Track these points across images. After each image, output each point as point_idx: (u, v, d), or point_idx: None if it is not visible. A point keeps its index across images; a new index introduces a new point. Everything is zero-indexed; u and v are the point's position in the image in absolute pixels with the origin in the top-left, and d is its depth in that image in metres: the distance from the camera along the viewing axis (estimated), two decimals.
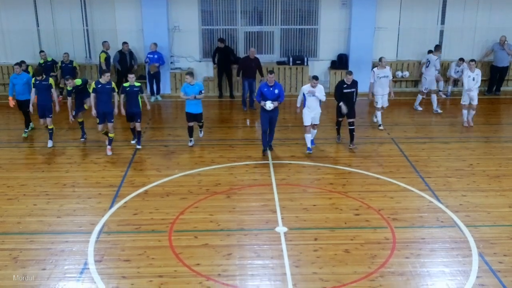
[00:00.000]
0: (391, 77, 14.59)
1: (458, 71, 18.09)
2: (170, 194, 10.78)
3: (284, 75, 18.38)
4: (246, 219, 9.78)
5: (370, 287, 7.79)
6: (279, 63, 18.55)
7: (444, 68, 18.61)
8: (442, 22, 18.76)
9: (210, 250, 8.77)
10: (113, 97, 12.73)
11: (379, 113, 14.77)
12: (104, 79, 12.45)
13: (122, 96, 12.81)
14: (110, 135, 12.81)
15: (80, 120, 13.57)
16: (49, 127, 13.22)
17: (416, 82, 18.98)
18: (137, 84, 12.75)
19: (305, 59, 18.36)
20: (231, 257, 8.57)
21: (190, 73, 13.00)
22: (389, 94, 14.60)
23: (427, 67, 16.49)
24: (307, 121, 12.62)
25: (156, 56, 17.36)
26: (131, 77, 12.68)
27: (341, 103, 12.82)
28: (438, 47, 17.12)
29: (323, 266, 8.32)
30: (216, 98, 18.08)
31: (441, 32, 18.86)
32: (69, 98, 13.19)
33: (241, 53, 18.63)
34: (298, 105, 12.78)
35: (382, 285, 7.83)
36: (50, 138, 13.30)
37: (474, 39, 18.84)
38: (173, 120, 16.29)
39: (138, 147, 13.06)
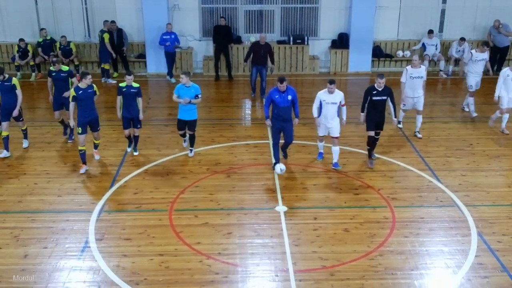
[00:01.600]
0: (425, 78, 12.56)
1: (459, 51, 18.00)
2: (170, 173, 10.80)
3: (284, 55, 18.28)
4: (246, 198, 9.82)
5: (370, 266, 7.85)
6: (279, 42, 18.43)
7: (445, 48, 18.53)
8: (444, 1, 18.56)
9: (210, 229, 8.82)
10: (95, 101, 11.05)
11: (402, 114, 13.08)
12: (86, 82, 10.59)
13: (119, 98, 11.15)
14: (96, 142, 11.32)
15: (60, 120, 12.40)
16: (22, 128, 12.01)
17: None
18: (135, 85, 11.08)
19: (306, 38, 18.23)
20: (231, 236, 8.62)
21: (186, 73, 10.99)
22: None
23: (472, 62, 13.94)
24: (320, 131, 10.94)
25: (173, 37, 17.22)
26: (129, 78, 10.98)
27: (362, 114, 10.94)
28: (485, 43, 14.89)
29: (322, 245, 8.37)
30: (214, 78, 17.93)
31: (443, 11, 18.70)
32: (49, 79, 12.05)
33: (241, 32, 18.50)
34: (315, 114, 10.78)
35: (381, 264, 7.89)
36: (25, 138, 12.12)
37: (476, 19, 18.70)
38: (172, 99, 16.21)
39: (135, 153, 11.60)
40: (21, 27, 18.00)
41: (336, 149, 10.84)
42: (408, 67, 12.56)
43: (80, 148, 10.75)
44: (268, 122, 10.63)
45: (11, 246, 8.33)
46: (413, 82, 12.40)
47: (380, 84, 10.67)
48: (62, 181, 10.49)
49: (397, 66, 18.87)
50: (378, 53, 18.61)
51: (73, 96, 10.53)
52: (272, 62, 15.67)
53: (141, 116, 11.25)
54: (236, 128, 13.43)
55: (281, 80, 10.18)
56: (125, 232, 8.73)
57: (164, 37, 17.07)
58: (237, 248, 8.31)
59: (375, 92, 10.72)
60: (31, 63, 17.48)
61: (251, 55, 15.67)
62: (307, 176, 10.67)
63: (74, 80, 11.79)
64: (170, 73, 17.61)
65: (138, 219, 9.13)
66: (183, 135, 11.59)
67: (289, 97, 10.30)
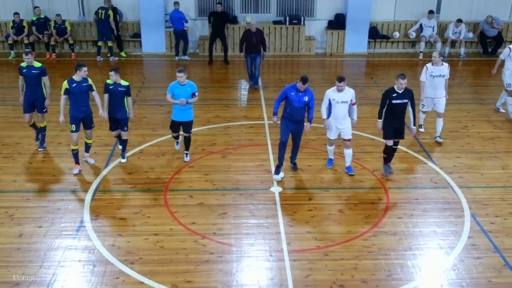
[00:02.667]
0: (448, 76, 11.31)
1: (456, 32, 17.99)
2: (165, 153, 10.79)
3: (280, 35, 18.18)
4: (241, 178, 9.84)
5: (363, 246, 7.90)
6: (275, 22, 18.32)
7: (442, 29, 18.46)
8: None
9: (205, 209, 8.84)
10: (91, 97, 9.97)
11: (422, 116, 11.91)
12: (80, 75, 9.58)
13: (106, 96, 9.92)
14: (88, 141, 10.26)
15: (31, 124, 10.94)
16: None
17: (413, 43, 18.83)
18: (124, 83, 9.90)
19: (302, 18, 18.12)
20: (226, 216, 8.65)
21: (183, 70, 9.84)
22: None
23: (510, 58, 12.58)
24: (331, 134, 9.92)
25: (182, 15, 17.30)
26: (112, 74, 9.80)
27: (379, 121, 9.72)
28: None
29: (317, 225, 8.42)
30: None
31: None
32: (20, 77, 10.50)
33: (237, 12, 18.37)
34: (324, 115, 9.78)
35: (375, 244, 7.94)
36: None
37: (473, 0, 18.59)
38: (168, 79, 16.14)
39: (123, 160, 10.40)
40: (15, 5, 17.77)
41: (348, 152, 9.96)
42: (428, 65, 11.28)
43: (73, 147, 9.88)
44: (275, 119, 9.65)
45: (6, 225, 8.34)
46: (434, 81, 11.21)
47: (401, 85, 9.37)
48: (56, 160, 10.48)
49: (393, 48, 18.85)
50: (375, 34, 18.54)
51: (66, 89, 9.56)
52: (264, 49, 14.93)
53: (131, 115, 10.17)
54: (232, 109, 13.40)
55: (305, 80, 9.19)
56: (120, 212, 8.75)
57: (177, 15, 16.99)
58: (232, 228, 8.35)
59: (395, 95, 9.44)
60: (26, 41, 17.32)
61: (244, 44, 14.80)
62: (302, 157, 10.66)
63: (46, 80, 10.50)
64: (181, 51, 17.62)
65: (133, 199, 9.14)
66: (177, 137, 10.56)
67: (306, 98, 9.36)
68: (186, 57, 17.64)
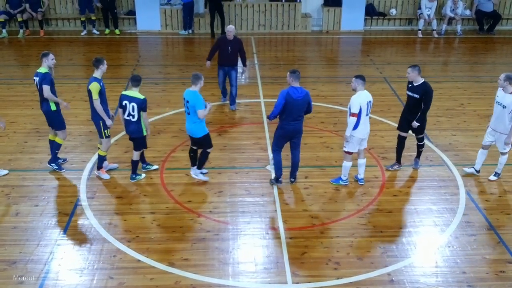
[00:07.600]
0: None
1: (453, 9, 17.86)
2: (161, 132, 10.77)
3: (276, 12, 18.02)
4: (237, 157, 9.84)
5: (359, 224, 7.95)
6: None
7: (439, 6, 18.33)
8: None
9: (201, 187, 8.85)
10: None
11: (481, 155, 9.20)
12: (103, 69, 8.54)
13: (120, 110, 8.66)
14: (101, 153, 9.08)
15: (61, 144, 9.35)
16: None
17: (410, 20, 18.72)
18: (140, 96, 8.46)
19: None
20: (222, 194, 8.67)
21: (196, 77, 8.50)
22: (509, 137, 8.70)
23: None
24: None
25: None
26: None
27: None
28: None
29: (313, 203, 8.45)
30: (208, 36, 17.71)
31: None
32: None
33: None
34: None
35: (370, 222, 7.99)
36: None
37: None
38: (163, 57, 16.06)
39: (143, 176, 9.14)
40: None
41: (343, 165, 8.92)
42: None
43: (105, 153, 9.09)
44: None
45: (2, 203, 8.34)
46: (495, 109, 8.86)
47: (408, 75, 8.78)
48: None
49: (390, 25, 18.73)
50: (371, 11, 18.41)
51: (100, 91, 8.51)
52: (244, 64, 11.93)
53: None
54: (228, 87, 13.30)
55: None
56: (116, 191, 8.75)
57: None
58: (228, 206, 8.37)
59: (410, 85, 8.89)
60: (19, 19, 17.11)
61: (217, 53, 11.91)
62: None
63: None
64: (188, 25, 17.83)
65: (129, 178, 9.13)
66: (194, 152, 8.97)
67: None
68: (190, 31, 17.97)
